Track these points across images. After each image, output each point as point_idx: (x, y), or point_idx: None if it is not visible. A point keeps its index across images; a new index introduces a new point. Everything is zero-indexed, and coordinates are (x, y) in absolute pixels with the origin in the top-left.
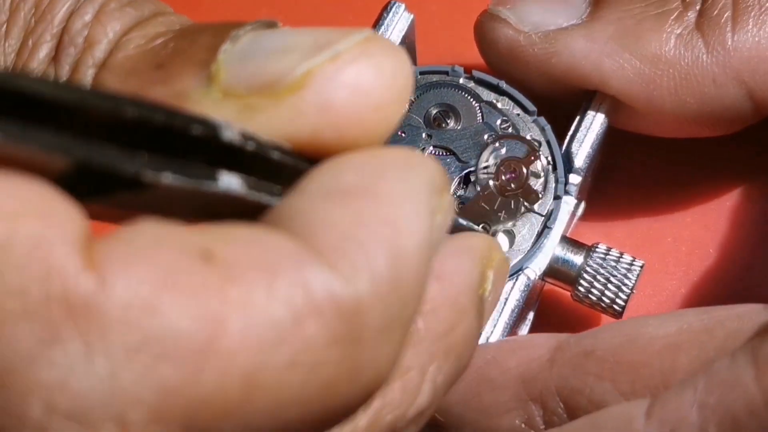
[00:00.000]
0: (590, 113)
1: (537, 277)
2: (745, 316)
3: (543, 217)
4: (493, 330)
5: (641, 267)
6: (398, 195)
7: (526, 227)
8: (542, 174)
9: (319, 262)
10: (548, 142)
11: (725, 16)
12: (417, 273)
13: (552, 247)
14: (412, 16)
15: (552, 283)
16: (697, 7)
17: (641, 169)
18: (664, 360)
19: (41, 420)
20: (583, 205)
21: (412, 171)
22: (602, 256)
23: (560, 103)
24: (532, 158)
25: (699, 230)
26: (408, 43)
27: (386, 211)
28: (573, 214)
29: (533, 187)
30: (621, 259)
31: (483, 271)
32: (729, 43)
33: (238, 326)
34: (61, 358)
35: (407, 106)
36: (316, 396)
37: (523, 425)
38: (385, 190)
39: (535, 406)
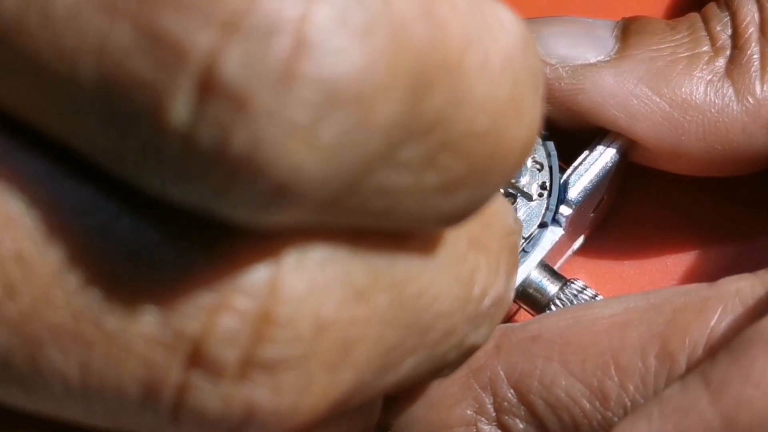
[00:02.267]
0: (599, 149)
1: None
2: (691, 292)
3: (523, 240)
4: None
5: None
6: None
7: None
8: (535, 197)
9: None
10: (550, 168)
11: (754, 64)
12: None
13: (526, 271)
14: None
15: (522, 307)
16: (727, 53)
17: (647, 213)
18: (613, 337)
19: None
20: (581, 239)
21: None
22: (576, 292)
23: (575, 134)
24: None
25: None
26: None
27: None
28: (564, 245)
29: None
30: (594, 300)
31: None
32: (758, 92)
33: None
34: None
35: None
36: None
37: (474, 414)
38: None
39: (485, 393)
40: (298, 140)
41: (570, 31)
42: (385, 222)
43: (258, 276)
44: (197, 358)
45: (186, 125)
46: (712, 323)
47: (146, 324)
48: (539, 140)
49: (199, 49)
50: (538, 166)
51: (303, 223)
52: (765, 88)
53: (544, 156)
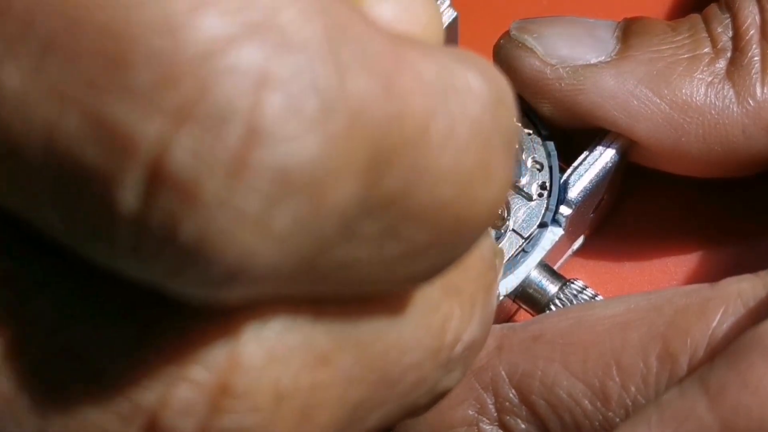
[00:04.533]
0: (599, 149)
1: (505, 296)
2: (693, 293)
3: (523, 240)
4: None
5: None
6: None
7: (508, 243)
8: (534, 197)
9: None
10: (550, 168)
11: (755, 66)
12: None
13: (526, 271)
14: (455, 14)
15: (522, 307)
16: (728, 55)
17: (647, 213)
18: (614, 338)
19: None
20: (581, 239)
21: None
22: (575, 292)
23: (576, 135)
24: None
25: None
26: (448, 42)
27: None
28: (564, 245)
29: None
30: (594, 300)
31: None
32: (759, 95)
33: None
34: None
35: None
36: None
37: (476, 414)
38: None
39: (487, 394)
40: (248, 229)
41: (571, 32)
42: (347, 289)
43: (216, 348)
44: (154, 429)
45: (135, 213)
46: (714, 324)
47: (102, 396)
48: (539, 140)
49: (148, 138)
50: (538, 166)
51: (261, 297)
52: (765, 91)
53: (544, 156)
